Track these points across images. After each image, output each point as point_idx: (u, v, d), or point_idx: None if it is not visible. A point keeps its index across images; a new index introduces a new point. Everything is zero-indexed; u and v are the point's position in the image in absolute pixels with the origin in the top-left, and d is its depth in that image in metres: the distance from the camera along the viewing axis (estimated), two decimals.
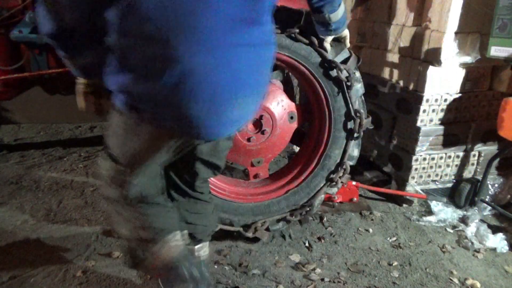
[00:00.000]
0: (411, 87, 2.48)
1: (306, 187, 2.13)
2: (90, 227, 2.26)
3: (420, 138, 2.43)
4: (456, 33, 2.25)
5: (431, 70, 2.33)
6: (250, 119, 1.37)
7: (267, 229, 2.13)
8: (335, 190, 2.19)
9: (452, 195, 2.58)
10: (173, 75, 1.06)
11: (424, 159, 2.50)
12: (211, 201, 1.64)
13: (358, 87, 1.99)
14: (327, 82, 1.97)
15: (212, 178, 2.12)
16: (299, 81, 2.26)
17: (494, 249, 2.18)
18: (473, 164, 2.60)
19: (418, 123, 2.42)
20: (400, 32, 2.55)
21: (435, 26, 2.32)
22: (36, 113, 3.66)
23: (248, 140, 2.08)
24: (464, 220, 2.43)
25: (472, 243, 2.23)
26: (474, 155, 2.58)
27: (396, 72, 2.63)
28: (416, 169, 2.52)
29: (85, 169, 2.99)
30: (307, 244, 2.19)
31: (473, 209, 2.46)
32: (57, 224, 2.29)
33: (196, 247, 1.60)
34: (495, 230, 2.32)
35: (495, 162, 2.44)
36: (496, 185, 2.57)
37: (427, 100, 2.38)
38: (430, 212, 2.51)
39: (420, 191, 2.55)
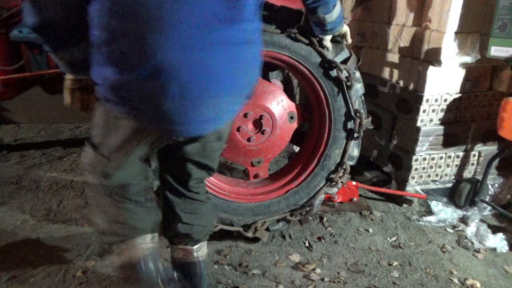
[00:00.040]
0: (411, 87, 2.48)
1: (306, 187, 2.13)
2: (90, 227, 2.26)
3: (420, 138, 2.43)
4: (456, 33, 2.25)
5: (431, 70, 2.33)
6: (230, 119, 1.35)
7: (267, 229, 2.13)
8: (335, 190, 2.19)
9: (452, 195, 2.58)
10: (146, 71, 1.09)
11: (424, 159, 2.50)
12: (207, 201, 1.63)
13: (358, 87, 1.99)
14: (327, 82, 1.97)
15: (212, 178, 2.12)
16: (299, 81, 2.26)
17: (494, 249, 2.18)
18: (473, 164, 2.60)
19: (418, 123, 2.42)
20: (400, 32, 2.55)
21: (435, 26, 2.32)
22: (36, 113, 3.66)
23: (248, 140, 2.08)
24: (464, 220, 2.43)
25: (472, 243, 2.23)
26: (474, 155, 2.58)
27: (396, 72, 2.63)
28: (416, 169, 2.52)
29: None
30: (307, 244, 2.19)
31: (473, 209, 2.46)
32: (57, 224, 2.29)
33: (194, 247, 1.59)
34: (495, 230, 2.32)
35: (495, 162, 2.44)
36: (496, 185, 2.57)
37: (427, 100, 2.38)
38: (430, 212, 2.51)
39: (420, 191, 2.55)
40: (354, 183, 2.54)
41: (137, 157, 1.35)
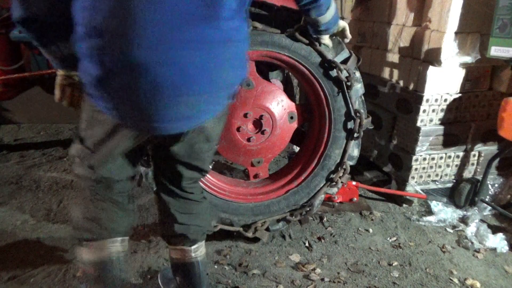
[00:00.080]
0: (411, 87, 2.48)
1: (306, 187, 2.13)
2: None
3: (420, 138, 2.43)
4: (456, 33, 2.25)
5: (431, 70, 2.33)
6: (209, 118, 1.32)
7: (267, 229, 2.13)
8: (335, 190, 2.19)
9: (452, 195, 2.58)
10: (121, 67, 1.10)
11: (424, 159, 2.50)
12: (203, 200, 1.62)
13: (358, 87, 1.99)
14: (327, 82, 1.97)
15: (212, 178, 2.13)
16: (299, 81, 2.26)
17: (494, 249, 2.18)
18: (473, 164, 2.60)
19: (418, 123, 2.42)
20: (400, 32, 2.55)
21: (435, 26, 2.32)
22: (36, 113, 3.66)
23: (248, 140, 2.08)
24: (464, 220, 2.43)
25: (472, 243, 2.23)
26: (474, 155, 2.58)
27: (396, 72, 2.63)
28: (416, 169, 2.52)
29: None
30: (307, 244, 2.19)
31: (473, 209, 2.46)
32: (57, 224, 2.29)
33: (192, 248, 1.59)
34: (495, 230, 2.32)
35: (495, 162, 2.44)
36: (496, 185, 2.57)
37: (427, 100, 2.38)
38: (430, 212, 2.51)
39: (420, 191, 2.55)
40: (354, 183, 2.54)
41: (121, 152, 1.35)
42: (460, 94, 2.43)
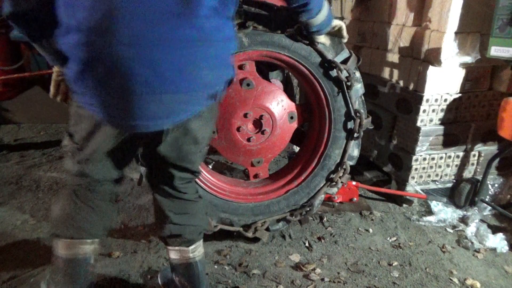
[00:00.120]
0: (411, 87, 2.48)
1: (306, 187, 2.13)
2: None
3: (420, 138, 2.43)
4: (456, 33, 2.25)
5: (431, 70, 2.33)
6: (187, 117, 1.30)
7: (267, 229, 2.13)
8: (335, 190, 2.19)
9: (452, 195, 2.58)
10: (94, 63, 1.11)
11: (424, 159, 2.50)
12: (198, 200, 1.61)
13: (358, 87, 1.99)
14: (327, 82, 1.97)
15: (212, 178, 2.13)
16: (299, 81, 2.26)
17: (494, 249, 2.18)
18: (473, 164, 2.60)
19: (418, 123, 2.42)
20: (400, 32, 2.55)
21: (435, 26, 2.32)
22: (36, 113, 3.67)
23: (248, 140, 2.08)
24: (464, 220, 2.43)
25: (472, 243, 2.23)
26: (474, 155, 2.58)
27: (396, 72, 2.63)
28: (416, 169, 2.52)
29: None
30: (307, 244, 2.19)
31: (473, 209, 2.46)
32: None
33: (190, 248, 1.58)
34: (495, 230, 2.32)
35: (495, 162, 2.44)
36: (496, 185, 2.57)
37: (427, 100, 2.38)
38: (430, 212, 2.51)
39: (420, 191, 2.55)
40: (354, 183, 2.54)
41: (105, 152, 1.35)
42: (460, 94, 2.43)
